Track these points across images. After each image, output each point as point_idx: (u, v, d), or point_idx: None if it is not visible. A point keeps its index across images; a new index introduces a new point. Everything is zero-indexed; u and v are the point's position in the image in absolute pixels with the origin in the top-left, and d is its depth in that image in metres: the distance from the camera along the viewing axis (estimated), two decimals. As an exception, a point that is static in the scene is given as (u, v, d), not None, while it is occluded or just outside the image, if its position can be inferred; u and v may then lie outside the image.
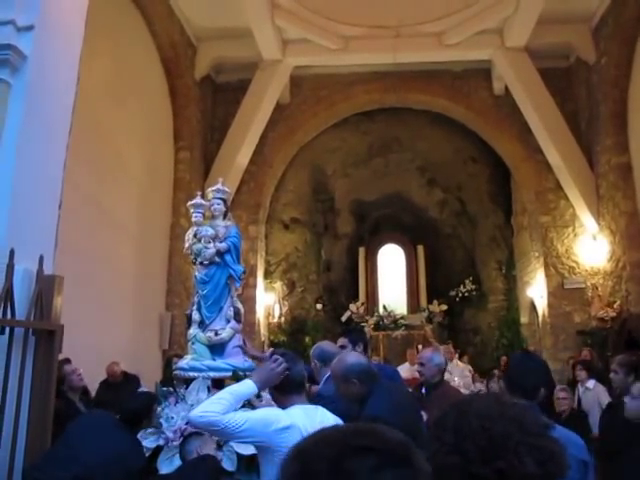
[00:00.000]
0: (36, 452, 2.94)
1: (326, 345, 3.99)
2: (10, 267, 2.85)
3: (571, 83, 11.17)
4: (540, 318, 11.18)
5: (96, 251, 7.54)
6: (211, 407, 2.42)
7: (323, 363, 3.70)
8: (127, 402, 3.30)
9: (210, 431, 2.57)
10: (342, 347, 4.07)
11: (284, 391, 2.58)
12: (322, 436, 0.99)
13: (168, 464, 3.22)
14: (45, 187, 3.41)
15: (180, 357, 4.88)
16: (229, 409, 2.41)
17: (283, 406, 2.55)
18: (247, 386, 2.58)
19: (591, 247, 10.37)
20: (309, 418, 2.44)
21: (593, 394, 6.45)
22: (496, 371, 8.68)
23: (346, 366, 3.09)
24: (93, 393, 6.28)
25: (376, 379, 3.20)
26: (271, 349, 2.60)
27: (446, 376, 8.58)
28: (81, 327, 5.99)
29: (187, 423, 3.39)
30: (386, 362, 9.88)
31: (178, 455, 3.15)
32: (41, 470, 2.76)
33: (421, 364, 4.38)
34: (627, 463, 4.20)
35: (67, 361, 4.73)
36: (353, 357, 3.26)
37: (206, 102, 11.52)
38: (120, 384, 6.39)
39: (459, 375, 8.85)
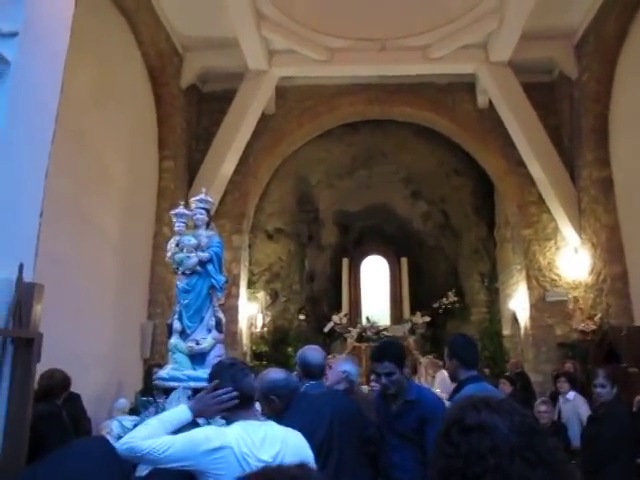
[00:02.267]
0: (12, 461, 2.89)
1: (310, 354, 3.76)
2: (-11, 275, 2.81)
3: (554, 98, 11.32)
4: (522, 330, 11.24)
5: (78, 259, 7.47)
6: (134, 433, 2.32)
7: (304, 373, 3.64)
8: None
9: (134, 459, 2.37)
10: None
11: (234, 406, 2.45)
12: None
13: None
14: (26, 195, 3.37)
15: (161, 367, 4.84)
16: (153, 435, 2.28)
17: (228, 421, 2.46)
18: (180, 412, 2.49)
19: (573, 260, 10.47)
20: (248, 436, 2.31)
21: (572, 406, 6.51)
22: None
23: (265, 384, 3.08)
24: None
25: (295, 394, 3.21)
26: (216, 381, 2.48)
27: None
28: (62, 336, 5.92)
29: None
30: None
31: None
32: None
33: (329, 366, 4.28)
34: (612, 476, 4.22)
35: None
36: (273, 373, 3.25)
37: (191, 111, 11.51)
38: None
39: (440, 383, 8.90)
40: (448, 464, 1.07)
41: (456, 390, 3.54)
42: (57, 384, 4.29)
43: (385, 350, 3.55)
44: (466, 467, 1.03)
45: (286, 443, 2.37)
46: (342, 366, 4.04)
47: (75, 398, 5.95)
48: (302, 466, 0.92)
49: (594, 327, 9.47)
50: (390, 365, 3.43)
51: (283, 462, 2.18)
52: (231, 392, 2.42)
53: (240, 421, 2.40)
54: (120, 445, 2.30)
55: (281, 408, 3.07)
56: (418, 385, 3.83)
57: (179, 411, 2.50)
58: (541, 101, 10.90)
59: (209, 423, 2.86)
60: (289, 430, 2.49)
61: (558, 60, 10.70)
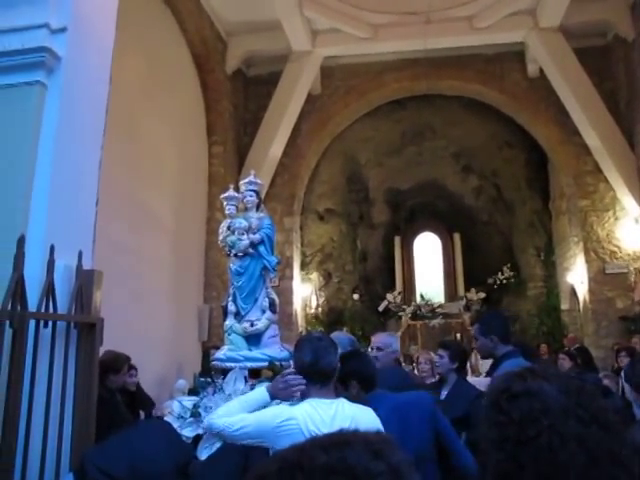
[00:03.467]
0: (82, 441, 3.02)
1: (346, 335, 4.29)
2: (51, 263, 2.92)
3: (609, 62, 10.87)
4: (581, 304, 10.97)
5: (134, 246, 7.69)
6: (216, 411, 2.54)
7: None
8: None
9: (217, 435, 2.63)
10: (440, 356, 4.14)
11: (308, 382, 2.51)
12: (279, 457, 0.87)
13: (207, 452, 3.27)
14: (82, 185, 3.49)
15: (218, 348, 4.94)
16: (231, 413, 2.45)
17: (306, 397, 2.51)
18: (259, 393, 2.62)
19: (633, 230, 10.12)
20: (317, 413, 2.35)
21: (637, 380, 6.30)
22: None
23: None
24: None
25: None
26: (291, 370, 2.62)
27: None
28: (123, 321, 6.13)
29: None
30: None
31: (217, 443, 3.20)
32: (96, 457, 2.81)
33: (378, 349, 4.09)
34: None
35: (128, 359, 4.85)
36: None
37: (238, 96, 11.60)
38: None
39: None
40: (501, 432, 1.07)
41: (494, 366, 3.53)
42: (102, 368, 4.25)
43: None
44: (520, 432, 1.03)
45: (357, 421, 2.37)
46: (393, 346, 4.13)
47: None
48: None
49: (658, 299, 9.17)
50: (444, 352, 3.70)
51: None
52: (300, 379, 2.50)
53: (309, 399, 2.44)
54: (206, 421, 2.62)
55: None
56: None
57: (258, 392, 2.63)
58: (595, 66, 10.49)
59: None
60: (360, 407, 2.51)
61: (613, 21, 10.24)
